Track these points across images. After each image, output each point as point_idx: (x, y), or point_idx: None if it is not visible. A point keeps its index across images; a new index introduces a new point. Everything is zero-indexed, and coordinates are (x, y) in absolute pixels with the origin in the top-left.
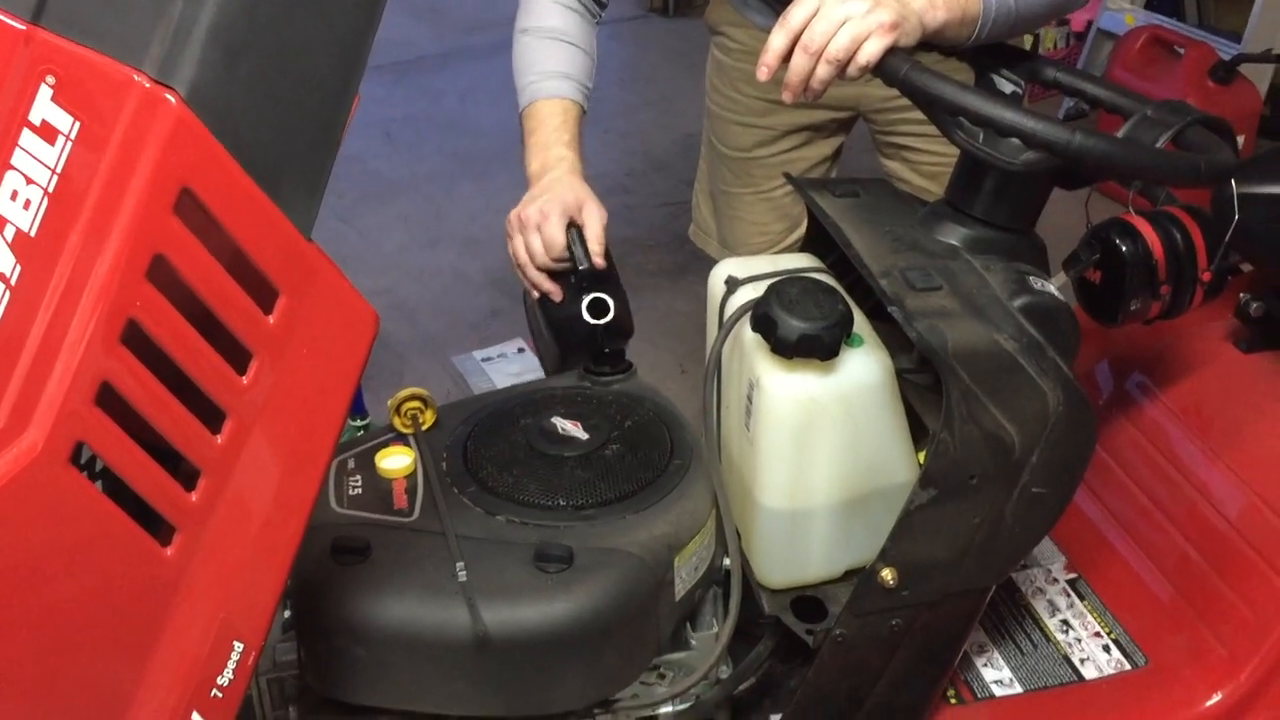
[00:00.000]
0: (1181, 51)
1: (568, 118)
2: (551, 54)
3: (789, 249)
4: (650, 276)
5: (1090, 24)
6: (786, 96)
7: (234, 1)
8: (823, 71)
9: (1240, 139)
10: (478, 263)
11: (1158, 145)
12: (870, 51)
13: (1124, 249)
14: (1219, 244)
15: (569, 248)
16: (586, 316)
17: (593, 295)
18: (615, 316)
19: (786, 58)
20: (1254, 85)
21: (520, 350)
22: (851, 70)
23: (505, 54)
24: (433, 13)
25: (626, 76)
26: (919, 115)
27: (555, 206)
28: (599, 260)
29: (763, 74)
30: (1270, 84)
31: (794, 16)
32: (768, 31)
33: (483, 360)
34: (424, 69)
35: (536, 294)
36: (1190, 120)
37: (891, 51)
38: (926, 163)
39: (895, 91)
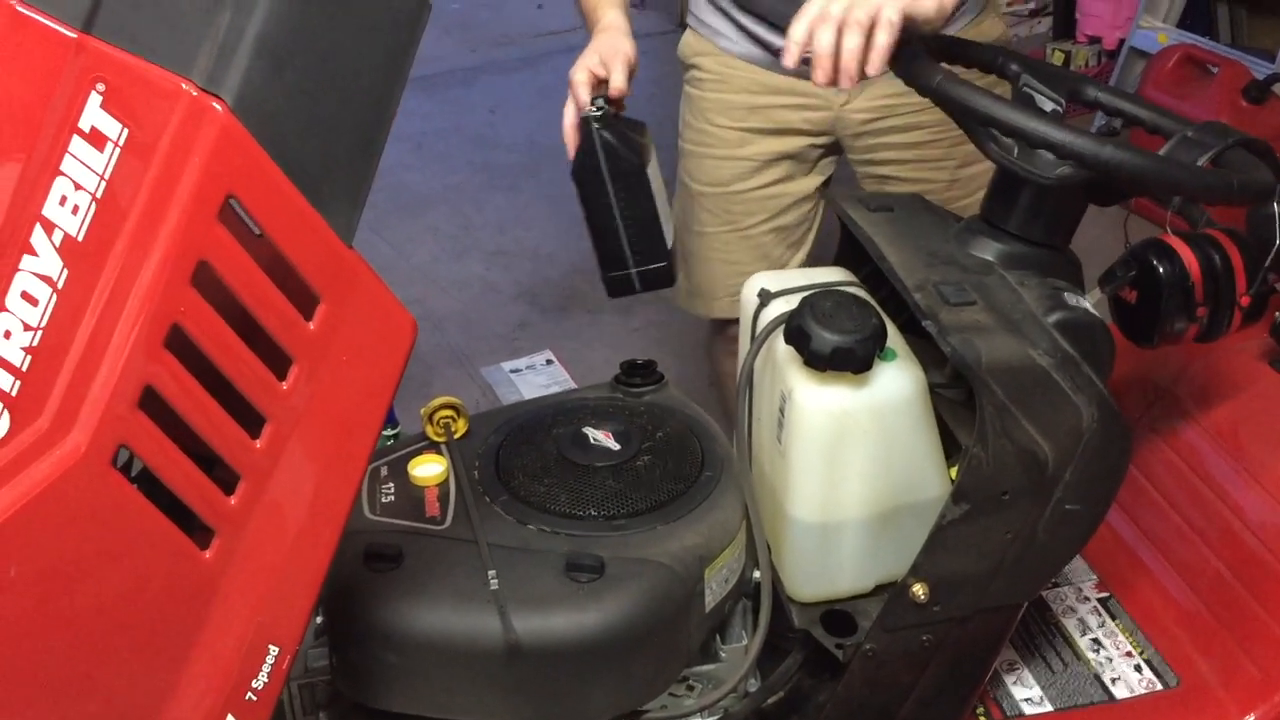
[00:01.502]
0: (1215, 70)
1: None
2: None
3: None
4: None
5: (1123, 42)
6: (818, 77)
7: (281, 12)
8: (850, 41)
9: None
10: (507, 275)
11: (1198, 160)
12: (890, 15)
13: (1161, 269)
14: (1258, 267)
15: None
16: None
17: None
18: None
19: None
20: None
21: (549, 362)
22: (879, 37)
23: (534, 68)
24: (462, 28)
25: (657, 91)
26: (901, 139)
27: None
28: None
29: (789, 59)
30: None
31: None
32: (740, 57)
33: (511, 372)
34: (454, 82)
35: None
36: (1231, 142)
37: (922, 63)
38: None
39: (874, 114)
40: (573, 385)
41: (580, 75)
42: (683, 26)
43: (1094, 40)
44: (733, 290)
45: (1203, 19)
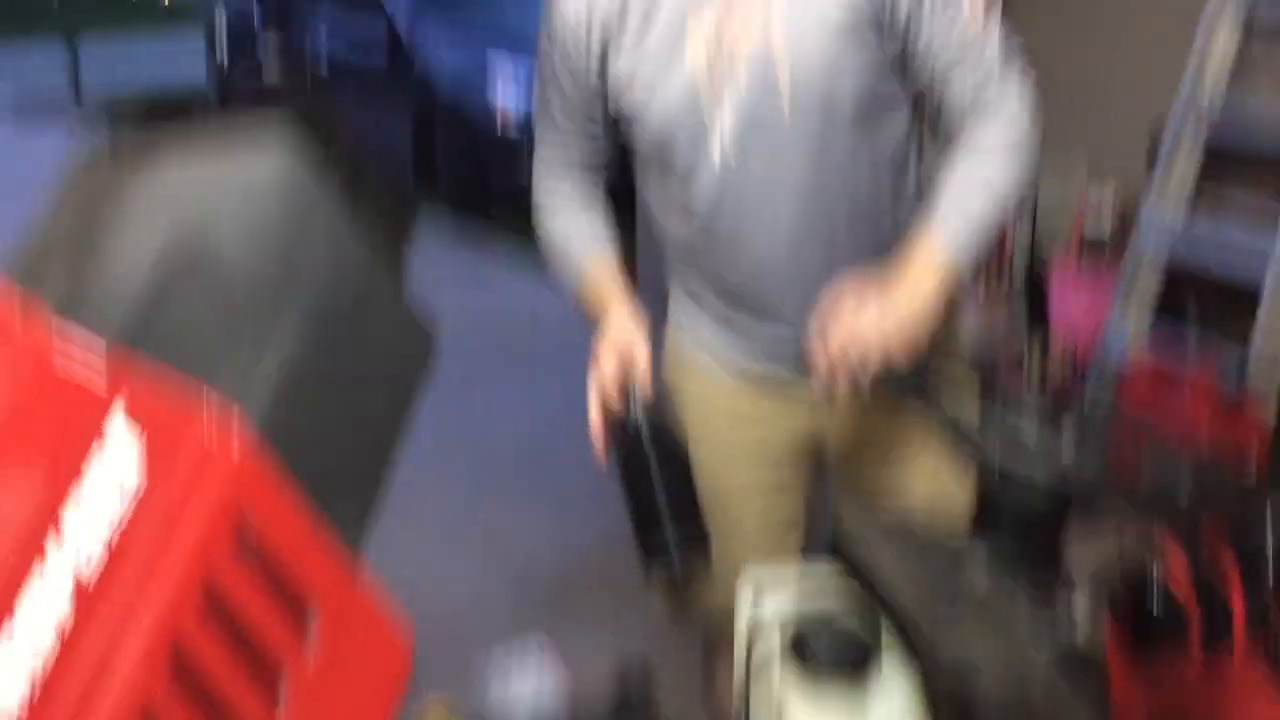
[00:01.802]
0: (1187, 382)
1: (610, 271)
2: (578, 227)
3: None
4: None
5: (1093, 353)
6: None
7: (300, 348)
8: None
9: (1253, 463)
10: (499, 577)
11: (1180, 488)
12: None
13: (1155, 576)
14: (1259, 579)
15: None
16: None
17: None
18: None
19: None
20: (1261, 416)
21: (539, 656)
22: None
23: (531, 364)
24: (465, 330)
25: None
26: (879, 452)
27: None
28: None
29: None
30: (1278, 414)
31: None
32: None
33: (499, 671)
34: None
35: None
36: (1209, 467)
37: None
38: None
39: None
40: (563, 678)
41: (608, 376)
42: None
43: (1069, 351)
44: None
45: (1171, 325)
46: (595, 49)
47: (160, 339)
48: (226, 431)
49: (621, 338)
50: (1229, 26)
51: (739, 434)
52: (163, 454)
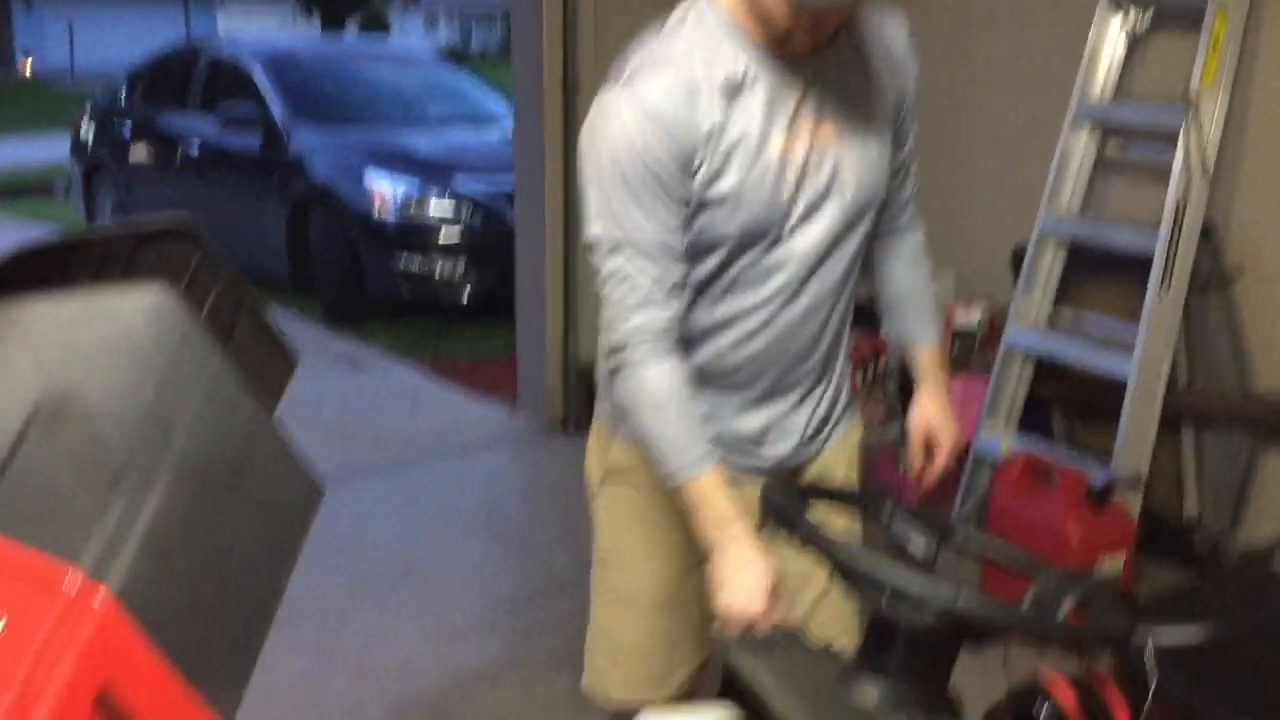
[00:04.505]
0: (1057, 478)
1: (722, 483)
2: (682, 421)
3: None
4: (556, 698)
5: (968, 449)
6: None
7: (174, 503)
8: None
9: (1121, 557)
10: (373, 692)
11: (1061, 609)
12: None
13: (1041, 715)
14: (1140, 709)
15: None
16: None
17: None
18: None
19: None
20: (1127, 508)
21: None
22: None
23: (403, 472)
24: (330, 432)
25: (529, 493)
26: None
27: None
28: None
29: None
30: (1143, 506)
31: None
32: None
33: None
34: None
35: None
36: (1089, 587)
37: (789, 512)
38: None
39: None
40: None
41: (758, 611)
42: (557, 430)
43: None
44: (671, 675)
45: (1039, 423)
46: (687, 160)
47: (20, 497)
48: (89, 595)
49: (756, 571)
50: (1083, 149)
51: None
52: (20, 616)
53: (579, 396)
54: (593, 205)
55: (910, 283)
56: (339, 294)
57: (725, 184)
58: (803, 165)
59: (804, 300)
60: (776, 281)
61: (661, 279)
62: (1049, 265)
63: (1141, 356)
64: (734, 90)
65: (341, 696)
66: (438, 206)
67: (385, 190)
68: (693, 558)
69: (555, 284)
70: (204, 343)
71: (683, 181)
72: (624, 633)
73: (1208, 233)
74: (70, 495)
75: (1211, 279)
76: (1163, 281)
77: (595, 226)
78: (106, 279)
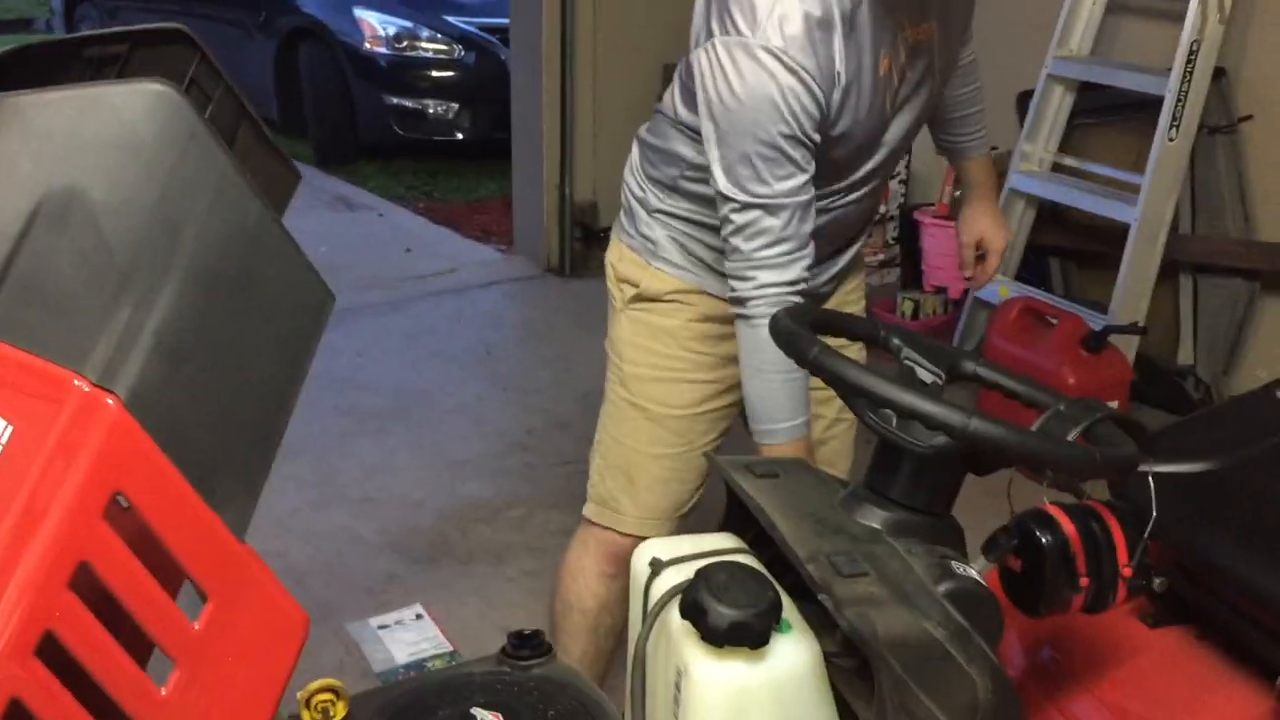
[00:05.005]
0: (1054, 322)
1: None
2: (785, 390)
3: (698, 504)
4: (553, 536)
5: (967, 293)
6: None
7: (183, 307)
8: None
9: (1114, 404)
10: (373, 524)
11: (1069, 438)
12: None
13: (1043, 540)
14: (1139, 538)
15: None
16: None
17: None
18: None
19: None
20: (1123, 354)
21: (419, 617)
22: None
23: (401, 312)
24: (329, 270)
25: (525, 335)
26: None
27: None
28: None
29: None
30: (1137, 353)
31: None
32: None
33: (379, 628)
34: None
35: None
36: (1100, 416)
37: (799, 337)
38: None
39: None
40: (444, 641)
41: None
42: (553, 270)
43: (940, 290)
44: (676, 506)
45: (1038, 272)
46: (824, 112)
47: (24, 301)
48: (98, 401)
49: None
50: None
51: (727, 344)
52: (27, 424)
53: (575, 239)
54: (724, 160)
55: (965, 96)
56: (331, 134)
57: (840, 126)
58: (901, 74)
59: (880, 175)
60: (865, 169)
61: (793, 233)
62: (1055, 109)
63: (1146, 201)
64: (849, 22)
65: (341, 526)
66: (430, 42)
67: (375, 25)
68: (712, 389)
69: (552, 126)
70: (210, 142)
71: (818, 130)
72: (639, 464)
73: (1218, 77)
74: (76, 299)
75: (1220, 124)
76: (1171, 125)
77: (727, 182)
78: (103, 80)
